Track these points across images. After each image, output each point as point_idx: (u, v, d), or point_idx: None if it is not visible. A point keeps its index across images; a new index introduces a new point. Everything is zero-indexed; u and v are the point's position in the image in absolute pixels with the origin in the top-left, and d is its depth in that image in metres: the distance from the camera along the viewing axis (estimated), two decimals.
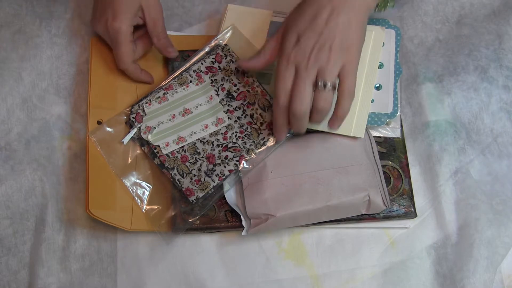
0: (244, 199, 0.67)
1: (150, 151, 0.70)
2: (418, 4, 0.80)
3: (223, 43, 0.74)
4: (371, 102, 0.72)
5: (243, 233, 0.68)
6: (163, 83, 0.73)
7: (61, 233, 0.69)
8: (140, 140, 0.71)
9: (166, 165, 0.69)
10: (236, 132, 0.70)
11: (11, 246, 0.69)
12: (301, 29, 0.62)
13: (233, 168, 0.68)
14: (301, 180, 0.68)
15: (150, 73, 0.74)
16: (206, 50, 0.73)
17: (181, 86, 0.72)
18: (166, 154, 0.70)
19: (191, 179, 0.69)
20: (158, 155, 0.70)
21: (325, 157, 0.69)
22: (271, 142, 0.70)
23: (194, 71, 0.72)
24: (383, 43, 0.73)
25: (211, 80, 0.72)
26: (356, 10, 0.62)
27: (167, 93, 0.72)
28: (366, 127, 0.70)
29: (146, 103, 0.71)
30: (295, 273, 0.70)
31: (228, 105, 0.71)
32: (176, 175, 0.69)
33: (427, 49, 0.78)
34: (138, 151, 0.71)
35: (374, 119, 0.71)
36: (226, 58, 0.73)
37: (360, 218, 0.69)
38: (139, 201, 0.69)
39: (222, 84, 0.72)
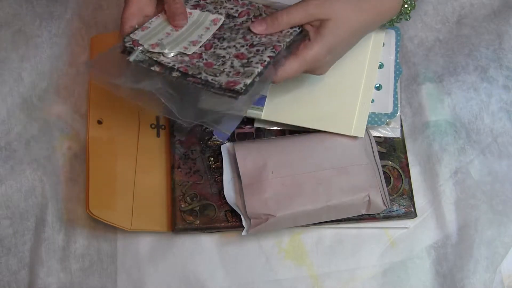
0: (244, 199, 0.67)
1: (164, 67, 0.61)
2: (418, 4, 0.80)
3: None
4: (371, 102, 0.72)
5: (243, 233, 0.68)
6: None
7: (61, 233, 0.69)
8: (146, 62, 0.61)
9: (190, 73, 0.60)
10: (254, 35, 0.64)
11: (11, 246, 0.69)
12: None
13: (272, 54, 0.60)
14: (301, 180, 0.68)
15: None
16: None
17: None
18: (186, 65, 0.60)
19: (228, 75, 0.59)
20: (176, 67, 0.60)
21: (325, 157, 0.69)
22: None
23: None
24: (383, 43, 0.73)
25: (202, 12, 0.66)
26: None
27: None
28: (366, 127, 0.70)
29: (137, 31, 0.63)
30: (295, 273, 0.70)
31: (232, 22, 0.65)
32: (206, 76, 0.59)
33: (427, 49, 0.78)
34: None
35: (374, 119, 0.71)
36: None
37: (360, 218, 0.69)
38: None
39: (218, 12, 0.66)
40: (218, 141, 0.72)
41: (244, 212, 0.68)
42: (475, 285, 0.68)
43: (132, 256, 0.70)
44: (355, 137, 0.70)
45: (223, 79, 0.59)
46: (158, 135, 0.74)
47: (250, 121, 0.73)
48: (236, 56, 0.61)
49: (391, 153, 0.73)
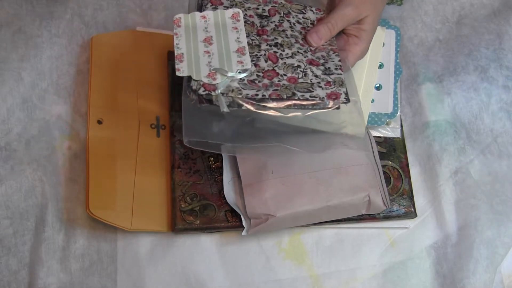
0: (244, 199, 0.67)
1: (253, 101, 0.58)
2: (418, 4, 0.80)
3: None
4: (371, 102, 0.72)
5: (243, 233, 0.68)
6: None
7: (61, 233, 0.69)
8: (235, 103, 0.59)
9: (284, 96, 0.58)
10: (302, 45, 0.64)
11: (11, 246, 0.68)
12: None
13: (339, 58, 0.64)
14: (301, 180, 0.68)
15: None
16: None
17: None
18: (274, 90, 0.59)
19: (321, 87, 0.60)
20: (266, 95, 0.58)
21: (325, 157, 0.69)
22: None
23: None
24: (383, 43, 0.73)
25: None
26: None
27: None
28: (366, 127, 0.70)
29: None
30: (295, 273, 0.70)
31: (270, 23, 0.66)
32: (302, 95, 0.59)
33: (427, 49, 0.78)
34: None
35: (374, 119, 0.71)
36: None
37: (360, 218, 0.69)
38: None
39: (245, 14, 0.66)
40: None
41: (244, 212, 0.68)
42: (475, 285, 0.68)
43: (132, 256, 0.70)
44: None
45: (321, 93, 0.59)
46: (158, 135, 0.73)
47: None
48: (310, 63, 0.62)
49: (391, 153, 0.73)
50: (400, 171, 0.72)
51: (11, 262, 0.68)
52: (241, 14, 0.64)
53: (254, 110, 0.59)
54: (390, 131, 0.73)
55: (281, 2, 0.68)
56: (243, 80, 0.60)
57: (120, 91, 0.74)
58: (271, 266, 0.70)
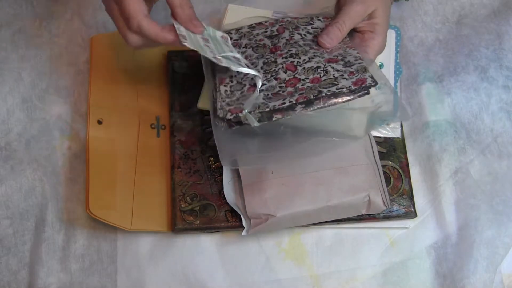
0: (244, 199, 0.67)
1: (282, 109, 0.58)
2: (418, 4, 0.80)
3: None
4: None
5: (243, 233, 0.68)
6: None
7: (61, 233, 0.69)
8: (264, 116, 0.58)
9: (311, 96, 0.58)
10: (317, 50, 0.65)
11: (11, 246, 0.68)
12: None
13: (357, 51, 0.64)
14: (302, 180, 0.68)
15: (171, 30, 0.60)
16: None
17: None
18: (299, 94, 0.58)
19: (345, 78, 0.59)
20: (294, 100, 0.58)
21: (325, 157, 0.69)
22: None
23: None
24: None
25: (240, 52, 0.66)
26: None
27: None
28: None
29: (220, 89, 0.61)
30: (295, 273, 0.70)
31: (281, 39, 0.66)
32: (329, 91, 0.58)
33: (427, 49, 0.78)
34: None
35: None
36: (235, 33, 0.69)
37: (360, 218, 0.69)
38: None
39: (252, 40, 0.67)
40: None
41: (244, 212, 0.68)
42: (475, 285, 0.68)
43: (132, 256, 0.70)
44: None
45: (346, 83, 0.59)
46: (158, 135, 0.74)
47: None
48: (329, 62, 0.62)
49: (391, 153, 0.73)
50: (400, 171, 0.72)
51: (11, 262, 0.68)
52: (229, 39, 0.66)
53: (283, 117, 0.59)
54: (390, 131, 0.73)
55: (288, 20, 0.69)
56: (268, 94, 0.60)
57: (120, 91, 0.74)
58: (271, 266, 0.70)
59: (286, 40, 0.66)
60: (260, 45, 0.66)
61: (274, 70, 0.62)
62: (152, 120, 0.74)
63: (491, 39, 0.77)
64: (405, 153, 0.73)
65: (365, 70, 0.60)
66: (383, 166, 0.71)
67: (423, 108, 0.75)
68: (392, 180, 0.71)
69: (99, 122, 0.71)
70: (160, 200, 0.71)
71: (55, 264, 0.68)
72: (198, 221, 0.69)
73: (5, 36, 0.76)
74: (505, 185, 0.72)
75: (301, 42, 0.65)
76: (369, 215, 0.69)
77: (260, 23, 0.70)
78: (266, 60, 0.64)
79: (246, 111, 0.58)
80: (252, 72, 0.60)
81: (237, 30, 0.69)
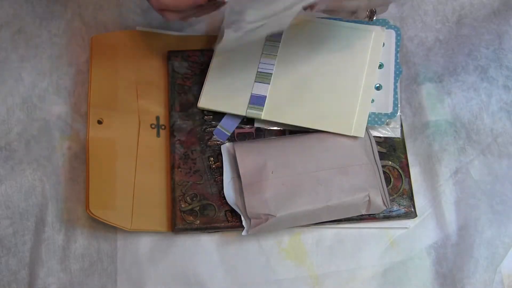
0: (244, 199, 0.67)
1: None
2: (418, 4, 0.80)
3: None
4: (371, 102, 0.72)
5: (243, 233, 0.68)
6: None
7: (61, 233, 0.69)
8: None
9: None
10: None
11: (11, 246, 0.68)
12: None
13: None
14: (301, 180, 0.68)
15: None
16: None
17: None
18: None
19: None
20: None
21: (325, 157, 0.69)
22: None
23: None
24: (383, 43, 0.73)
25: None
26: None
27: None
28: (366, 127, 0.70)
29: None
30: (295, 273, 0.70)
31: None
32: None
33: (427, 49, 0.78)
34: None
35: (374, 119, 0.71)
36: None
37: (360, 218, 0.69)
38: None
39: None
40: (218, 141, 0.72)
41: (244, 212, 0.68)
42: (475, 285, 0.68)
43: (132, 256, 0.70)
44: (355, 137, 0.70)
45: None
46: (158, 135, 0.74)
47: (250, 121, 0.73)
48: None
49: (391, 153, 0.73)
50: (400, 171, 0.72)
51: (11, 262, 0.68)
52: None
53: None
54: (390, 131, 0.73)
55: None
56: None
57: (120, 91, 0.74)
58: (271, 266, 0.70)
59: None
60: None
61: None
62: (152, 120, 0.74)
63: (491, 39, 0.77)
64: (405, 153, 0.73)
65: None
66: (383, 166, 0.71)
67: (423, 108, 0.75)
68: (392, 180, 0.71)
69: (99, 122, 0.71)
70: (160, 200, 0.71)
71: (55, 264, 0.68)
72: (198, 221, 0.69)
73: (5, 36, 0.76)
74: (505, 185, 0.72)
75: None
76: (369, 215, 0.69)
77: None
78: None
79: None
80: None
81: None
